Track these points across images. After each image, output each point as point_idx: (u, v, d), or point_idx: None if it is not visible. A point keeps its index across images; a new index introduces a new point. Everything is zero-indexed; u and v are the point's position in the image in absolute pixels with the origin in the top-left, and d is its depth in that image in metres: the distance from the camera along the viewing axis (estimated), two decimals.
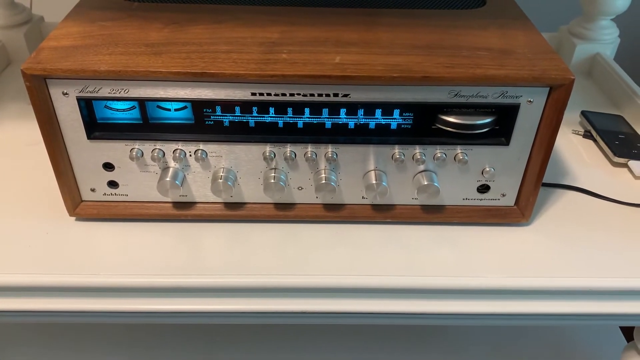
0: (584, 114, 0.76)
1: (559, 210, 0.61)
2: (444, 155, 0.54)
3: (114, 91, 0.49)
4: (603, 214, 0.61)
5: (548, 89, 0.50)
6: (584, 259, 0.56)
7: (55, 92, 0.49)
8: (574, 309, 0.55)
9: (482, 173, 0.55)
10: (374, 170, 0.55)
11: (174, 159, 0.53)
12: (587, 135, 0.74)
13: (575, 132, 0.74)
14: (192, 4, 0.60)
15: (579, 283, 0.54)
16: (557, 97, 0.50)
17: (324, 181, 0.54)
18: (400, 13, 0.60)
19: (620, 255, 0.56)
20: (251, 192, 0.57)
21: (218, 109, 0.51)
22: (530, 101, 0.51)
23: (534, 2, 0.84)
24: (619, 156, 0.68)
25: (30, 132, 0.70)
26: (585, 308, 0.55)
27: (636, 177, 0.66)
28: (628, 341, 0.68)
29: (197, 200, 0.57)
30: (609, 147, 0.69)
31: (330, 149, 0.54)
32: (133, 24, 0.54)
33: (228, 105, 0.51)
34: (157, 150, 0.53)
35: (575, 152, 0.71)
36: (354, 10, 0.60)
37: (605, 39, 0.87)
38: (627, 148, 0.69)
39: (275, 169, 0.55)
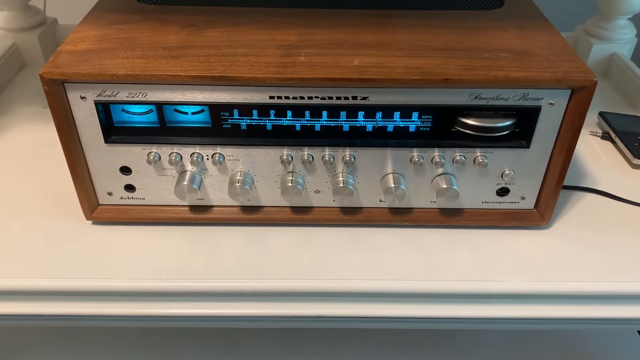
0: (602, 115, 0.75)
1: (578, 213, 0.61)
2: (464, 158, 0.53)
3: (131, 95, 0.49)
4: (623, 217, 0.60)
5: (570, 91, 0.49)
6: (603, 262, 0.55)
7: (73, 96, 0.49)
8: (594, 314, 0.54)
9: (502, 176, 0.55)
10: (392, 173, 0.54)
11: (192, 162, 0.53)
12: (605, 136, 0.73)
13: (593, 134, 0.73)
14: (207, 6, 0.60)
15: (599, 287, 0.53)
16: (579, 99, 0.49)
17: (341, 184, 0.54)
18: (416, 14, 0.60)
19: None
20: (268, 195, 0.56)
21: (235, 112, 0.51)
22: (551, 103, 0.50)
23: (550, 1, 0.83)
24: (639, 158, 0.67)
25: (45, 134, 0.70)
26: (605, 312, 0.54)
27: None
28: None
29: (214, 203, 0.57)
30: (628, 149, 0.68)
31: (348, 152, 0.53)
32: (149, 27, 0.54)
33: (246, 109, 0.51)
34: (174, 154, 0.53)
35: (594, 153, 0.70)
36: (370, 12, 0.60)
37: (622, 39, 0.86)
38: None
39: (292, 172, 0.54)
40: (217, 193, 0.56)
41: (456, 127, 0.52)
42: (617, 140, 0.71)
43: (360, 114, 0.51)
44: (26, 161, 0.66)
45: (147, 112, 0.51)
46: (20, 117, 0.74)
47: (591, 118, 0.76)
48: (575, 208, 0.61)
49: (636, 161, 0.67)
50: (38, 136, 0.70)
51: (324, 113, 0.51)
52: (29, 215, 0.58)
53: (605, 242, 0.57)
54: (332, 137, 0.53)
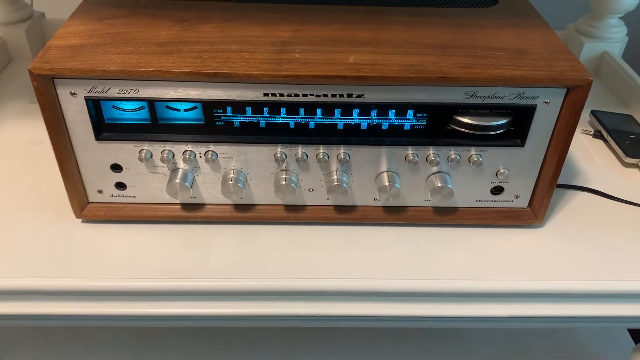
0: (593, 113, 0.75)
1: (571, 211, 0.61)
2: (459, 157, 0.53)
3: (123, 91, 0.48)
4: (615, 216, 0.61)
5: (565, 90, 0.49)
6: (596, 261, 0.55)
7: (63, 93, 0.48)
8: (586, 312, 0.54)
9: (497, 175, 0.55)
10: (387, 171, 0.54)
11: (184, 160, 0.52)
12: (597, 135, 0.73)
13: (585, 132, 0.74)
14: (200, 0, 0.59)
15: (591, 286, 0.53)
16: (574, 98, 0.49)
17: (335, 183, 0.53)
18: (411, 11, 0.59)
19: (632, 257, 0.56)
20: (261, 193, 0.56)
21: (229, 109, 0.50)
22: (546, 102, 0.50)
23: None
24: (631, 156, 0.67)
25: (33, 131, 0.68)
26: (597, 311, 0.54)
27: None
28: (636, 343, 0.68)
29: (207, 202, 0.56)
30: (620, 148, 0.68)
31: (342, 150, 0.53)
32: (141, 22, 0.53)
33: (239, 106, 0.50)
34: (166, 151, 0.52)
35: (586, 152, 0.71)
36: (365, 9, 0.59)
37: (613, 37, 0.86)
38: (639, 148, 0.68)
39: (286, 170, 0.54)
40: (209, 191, 0.55)
41: (451, 126, 0.52)
42: (609, 138, 0.71)
43: (355, 111, 0.51)
44: (13, 158, 0.65)
45: (138, 109, 0.50)
46: (7, 113, 0.73)
47: (583, 116, 0.75)
48: (568, 206, 0.61)
49: (628, 160, 0.67)
50: (25, 132, 0.69)
51: (319, 111, 0.51)
52: (16, 213, 0.57)
53: (597, 240, 0.57)
54: (327, 135, 0.52)
